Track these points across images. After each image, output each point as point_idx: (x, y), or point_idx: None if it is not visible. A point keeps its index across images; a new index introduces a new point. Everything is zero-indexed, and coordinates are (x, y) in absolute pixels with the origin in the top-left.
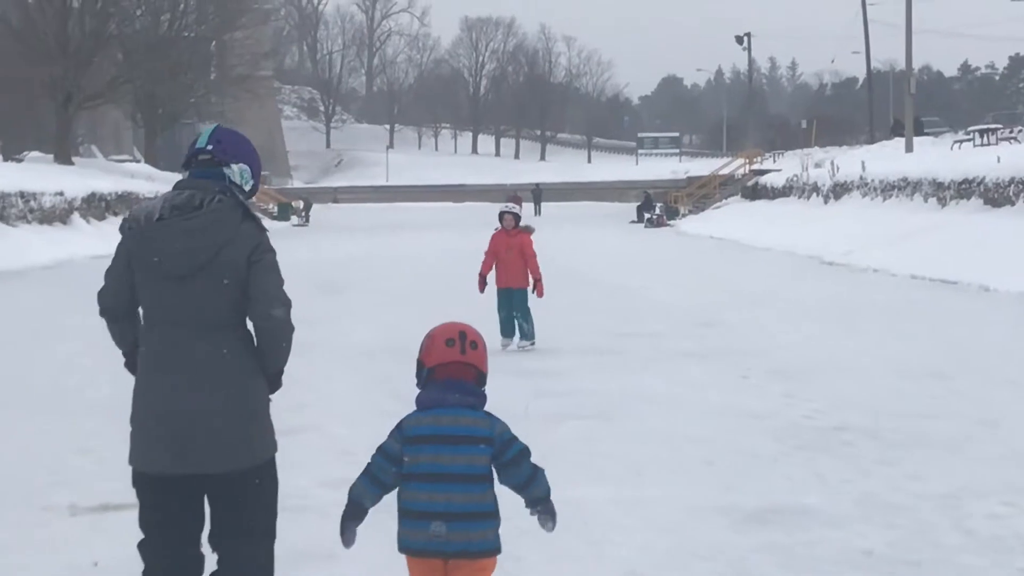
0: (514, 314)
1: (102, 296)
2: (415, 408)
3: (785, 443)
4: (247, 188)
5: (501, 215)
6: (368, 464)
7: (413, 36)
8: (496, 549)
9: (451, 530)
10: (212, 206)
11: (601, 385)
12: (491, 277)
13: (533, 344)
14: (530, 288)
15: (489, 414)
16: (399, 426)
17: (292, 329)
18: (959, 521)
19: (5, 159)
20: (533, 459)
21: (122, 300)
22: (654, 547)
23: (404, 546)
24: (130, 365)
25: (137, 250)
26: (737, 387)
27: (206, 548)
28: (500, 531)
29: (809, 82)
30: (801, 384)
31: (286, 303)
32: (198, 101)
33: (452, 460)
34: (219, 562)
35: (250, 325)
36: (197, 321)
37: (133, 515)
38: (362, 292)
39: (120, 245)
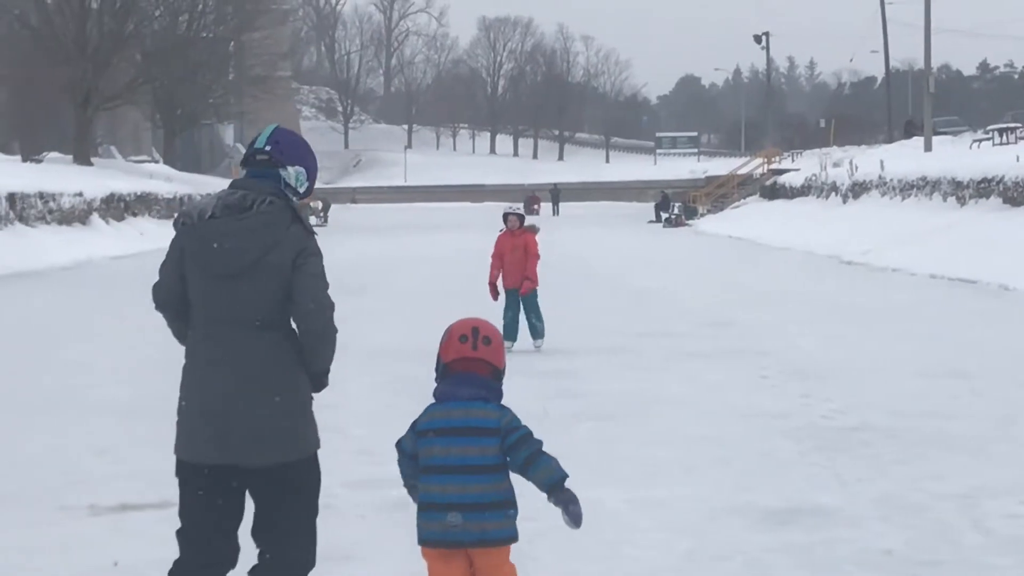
0: (529, 315)
1: (157, 290)
2: (433, 401)
3: (803, 443)
4: (301, 190)
5: (505, 216)
6: (397, 462)
7: (431, 36)
8: (513, 537)
9: (467, 520)
10: (263, 208)
11: (619, 386)
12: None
13: (541, 343)
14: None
15: (501, 406)
16: (413, 422)
17: (335, 331)
18: (978, 521)
19: (24, 160)
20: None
21: (175, 295)
22: (672, 548)
23: (422, 538)
24: None
25: (189, 246)
26: (755, 387)
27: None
28: (521, 528)
29: (828, 81)
30: (819, 384)
31: (329, 306)
32: (216, 102)
33: (463, 452)
34: (259, 556)
35: (294, 325)
36: (243, 319)
37: (152, 515)
38: (382, 292)
39: (174, 240)
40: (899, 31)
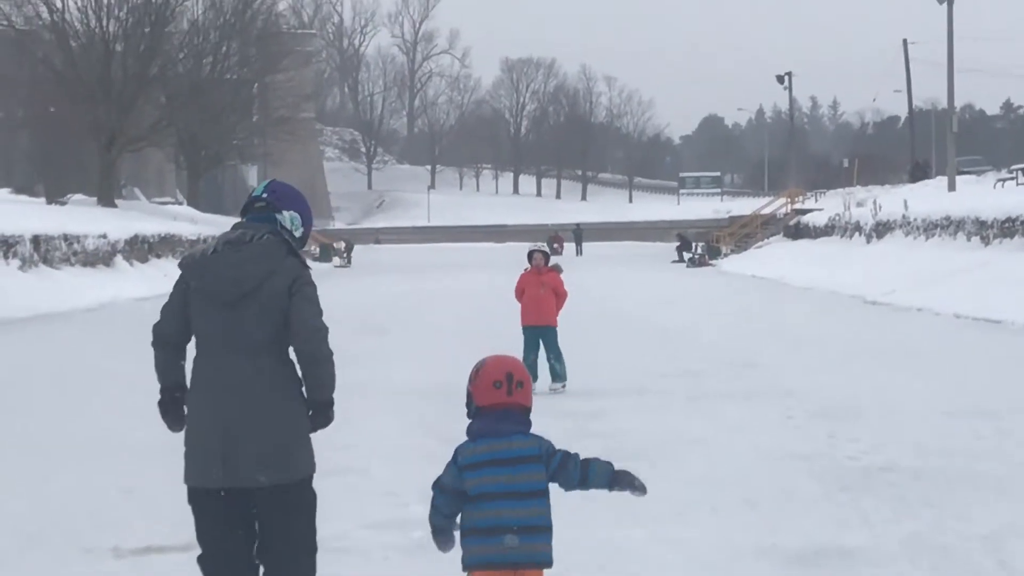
0: (549, 355)
1: (157, 326)
2: (467, 438)
3: (829, 484)
4: (297, 234)
5: (530, 254)
6: (432, 501)
7: (454, 77)
8: (551, 561)
9: (523, 541)
10: (260, 241)
11: (643, 425)
12: (515, 316)
13: (564, 386)
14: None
15: (536, 435)
16: (454, 458)
17: (330, 354)
18: (1005, 561)
19: (49, 202)
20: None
21: (175, 329)
22: None
23: (475, 562)
24: (164, 403)
25: (192, 280)
26: (780, 427)
27: None
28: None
29: (851, 121)
30: (844, 424)
31: (322, 330)
32: (240, 143)
33: (511, 480)
34: (265, 573)
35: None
36: (243, 346)
37: (176, 557)
38: (405, 332)
39: (178, 280)
40: (922, 70)
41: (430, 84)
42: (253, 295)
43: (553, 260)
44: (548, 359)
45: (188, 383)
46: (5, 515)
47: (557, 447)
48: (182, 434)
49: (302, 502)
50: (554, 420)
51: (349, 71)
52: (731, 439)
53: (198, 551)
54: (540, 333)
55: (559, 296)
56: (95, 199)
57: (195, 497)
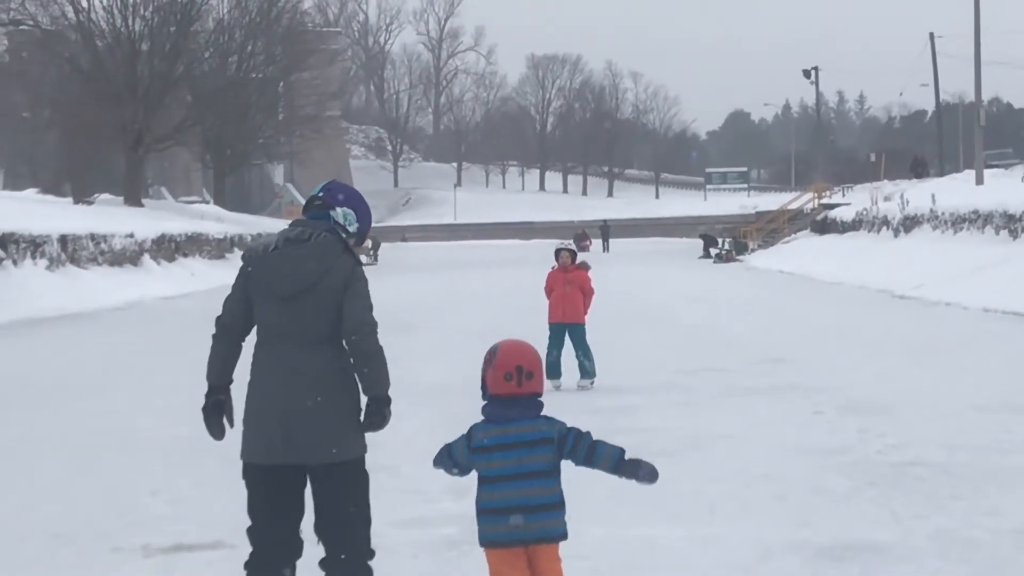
0: (577, 352)
1: (220, 318)
2: (483, 419)
3: (858, 479)
4: (351, 229)
5: (557, 252)
6: (439, 454)
7: (480, 74)
8: (565, 535)
9: (528, 521)
10: (318, 240)
11: (672, 422)
12: (543, 314)
13: (592, 383)
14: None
15: (548, 418)
16: (468, 437)
17: (380, 348)
18: None
19: (76, 202)
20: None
21: (237, 319)
22: None
23: (487, 540)
24: (208, 408)
25: (255, 274)
26: (809, 423)
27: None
28: (576, 567)
29: (878, 115)
30: (874, 419)
31: (371, 324)
32: (266, 142)
33: (520, 462)
34: (326, 547)
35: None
36: (301, 336)
37: (205, 555)
38: (432, 330)
39: (240, 273)
40: (949, 64)
41: (456, 81)
42: (311, 291)
43: (581, 257)
44: (577, 356)
45: (249, 373)
46: (35, 515)
47: (574, 429)
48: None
49: (357, 479)
50: (582, 417)
51: (375, 69)
52: (760, 435)
53: (248, 523)
54: (567, 330)
55: (586, 294)
56: (122, 199)
57: (250, 473)
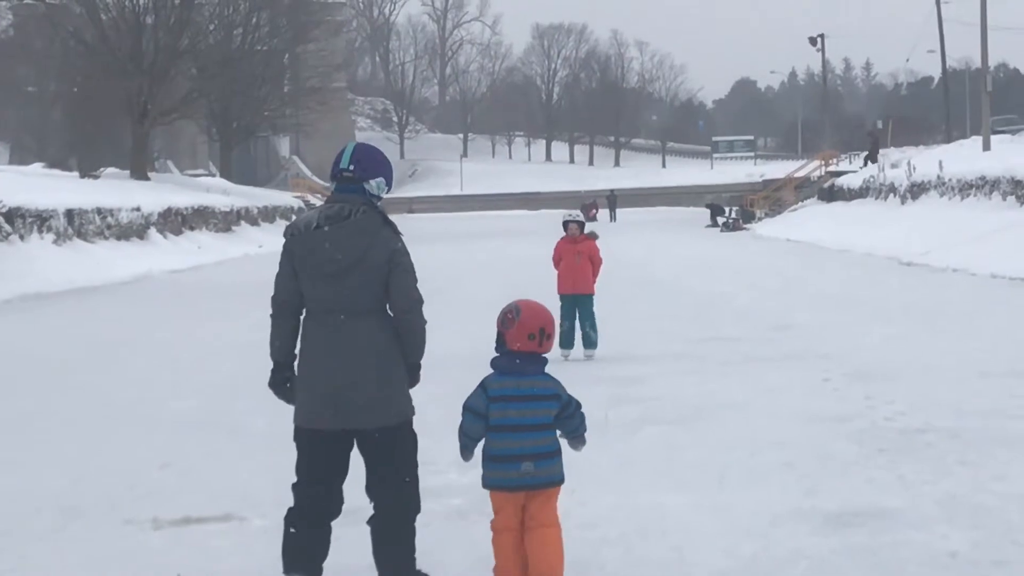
0: (584, 323)
1: (275, 297)
2: (494, 371)
3: (866, 446)
4: (383, 195)
5: (566, 224)
6: (461, 424)
7: (485, 45)
8: (563, 478)
9: (538, 467)
10: (358, 217)
11: (680, 391)
12: (552, 284)
13: (592, 355)
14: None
15: (554, 378)
16: (483, 387)
17: (424, 321)
18: None
19: (82, 176)
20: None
21: (292, 296)
22: (737, 552)
23: (495, 484)
24: (275, 384)
25: (299, 252)
26: (817, 390)
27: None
28: (585, 536)
29: (884, 82)
30: (882, 386)
31: (419, 300)
32: (272, 114)
33: (533, 413)
34: (375, 508)
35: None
36: (348, 308)
37: (215, 527)
38: (443, 302)
39: (284, 250)
40: (956, 30)
41: (461, 52)
42: (355, 267)
43: (589, 227)
44: (583, 327)
45: (300, 343)
46: (45, 488)
47: (574, 398)
48: (227, 412)
49: (406, 441)
50: (592, 386)
51: (380, 40)
52: (768, 403)
53: (294, 479)
54: (577, 301)
55: (595, 263)
56: (128, 172)
57: (301, 435)
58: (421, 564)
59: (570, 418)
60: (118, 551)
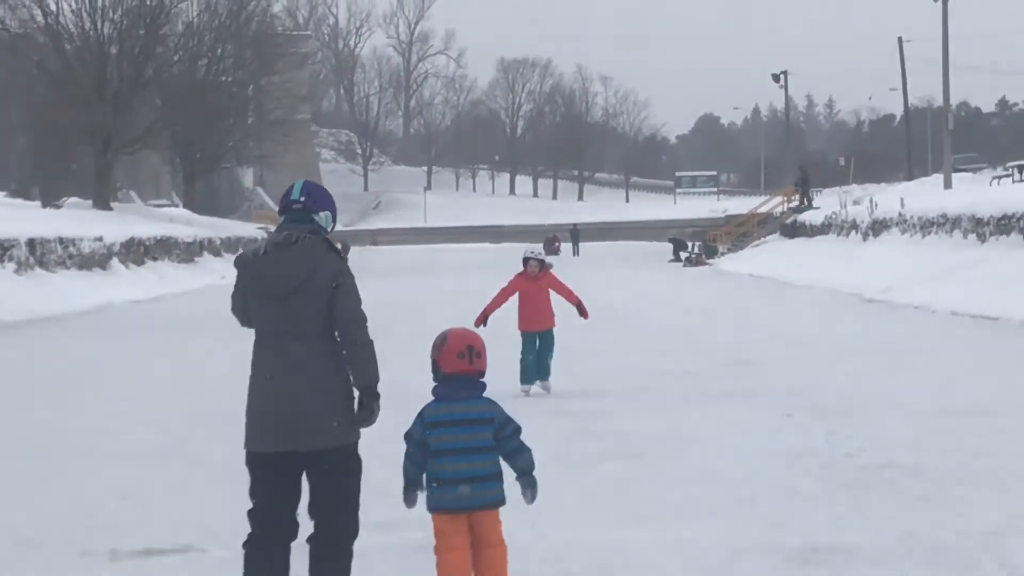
0: (547, 354)
1: (243, 324)
2: (433, 399)
3: (828, 481)
4: (329, 229)
5: (526, 261)
6: (406, 452)
7: (450, 78)
8: (504, 501)
9: (474, 490)
10: (303, 243)
11: (641, 425)
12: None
13: (548, 384)
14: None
15: (490, 400)
16: (420, 415)
17: (369, 340)
18: (1004, 558)
19: (44, 205)
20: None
21: (245, 320)
22: None
23: (437, 506)
24: None
25: (248, 277)
26: (779, 426)
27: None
28: (545, 571)
29: (846, 119)
30: (843, 422)
31: (361, 318)
32: (236, 145)
33: (469, 437)
34: (315, 527)
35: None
36: (294, 331)
37: (174, 559)
38: (404, 334)
39: (237, 277)
40: (918, 68)
41: (426, 85)
42: (301, 289)
43: (545, 259)
44: (545, 358)
45: (250, 368)
46: (2, 520)
47: (512, 421)
48: (187, 443)
49: (350, 464)
50: (553, 420)
51: (344, 72)
52: (730, 438)
53: (250, 505)
54: (538, 337)
55: (561, 292)
56: (91, 202)
57: (253, 460)
58: None
59: (507, 439)
60: None
